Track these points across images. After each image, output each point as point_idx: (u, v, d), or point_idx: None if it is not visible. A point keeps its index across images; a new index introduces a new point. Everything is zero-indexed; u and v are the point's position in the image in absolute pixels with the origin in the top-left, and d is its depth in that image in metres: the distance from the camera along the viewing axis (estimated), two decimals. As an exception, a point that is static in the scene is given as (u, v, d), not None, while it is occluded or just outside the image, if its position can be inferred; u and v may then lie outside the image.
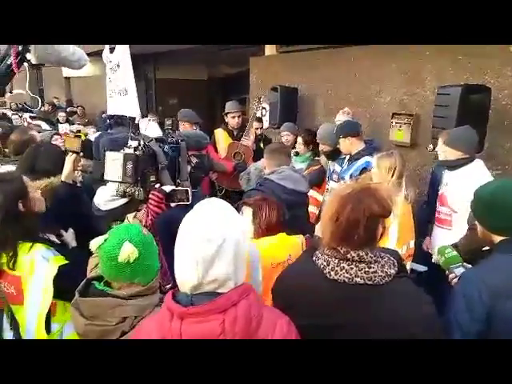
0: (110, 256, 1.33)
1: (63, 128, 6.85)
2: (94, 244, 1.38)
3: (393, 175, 2.48)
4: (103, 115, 7.56)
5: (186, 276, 1.03)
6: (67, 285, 1.51)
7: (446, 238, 2.66)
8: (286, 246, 1.93)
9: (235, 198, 2.82)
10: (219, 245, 1.01)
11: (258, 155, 3.79)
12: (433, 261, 2.65)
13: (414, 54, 3.73)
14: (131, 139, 1.67)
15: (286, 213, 2.13)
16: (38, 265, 1.70)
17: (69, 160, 2.18)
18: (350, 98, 4.44)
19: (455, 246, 2.20)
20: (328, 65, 4.66)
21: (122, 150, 1.64)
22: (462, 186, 2.52)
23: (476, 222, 1.59)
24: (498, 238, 1.50)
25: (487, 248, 1.64)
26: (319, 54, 4.72)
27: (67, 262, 1.73)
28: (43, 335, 1.69)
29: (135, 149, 1.65)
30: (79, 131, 5.31)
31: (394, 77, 3.97)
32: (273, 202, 2.00)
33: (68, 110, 9.09)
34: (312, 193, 3.36)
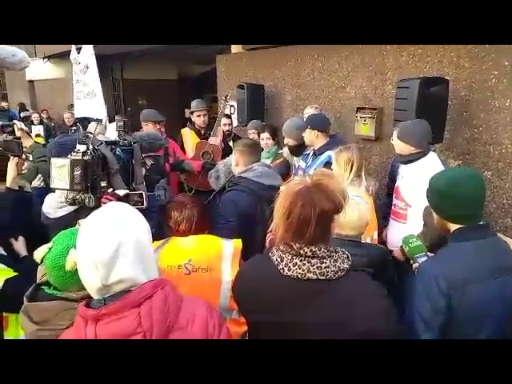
0: (56, 265, 1.29)
1: (36, 130, 6.59)
2: (39, 254, 1.33)
3: (351, 169, 2.50)
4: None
5: (90, 280, 1.04)
6: (16, 297, 1.45)
7: (401, 232, 2.53)
8: (189, 251, 1.85)
9: (205, 198, 2.77)
10: (117, 246, 1.02)
11: (227, 153, 3.75)
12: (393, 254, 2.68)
13: (377, 49, 3.77)
14: (79, 143, 1.59)
15: (266, 209, 2.08)
16: None
17: (11, 165, 2.05)
18: (315, 94, 4.47)
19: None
20: (293, 61, 4.67)
21: (69, 156, 1.56)
22: (416, 180, 2.44)
23: (432, 211, 1.61)
24: (453, 227, 1.52)
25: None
26: (284, 51, 4.73)
27: (15, 273, 1.66)
28: None
29: (83, 154, 1.56)
30: (39, 135, 5.13)
31: (357, 72, 4.01)
32: (193, 204, 1.98)
33: (22, 115, 8.53)
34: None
